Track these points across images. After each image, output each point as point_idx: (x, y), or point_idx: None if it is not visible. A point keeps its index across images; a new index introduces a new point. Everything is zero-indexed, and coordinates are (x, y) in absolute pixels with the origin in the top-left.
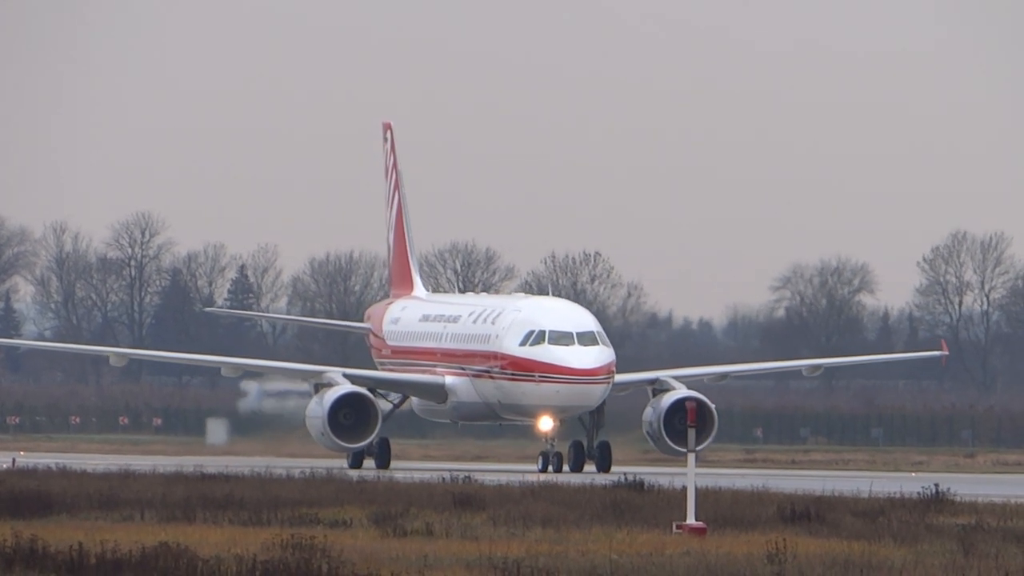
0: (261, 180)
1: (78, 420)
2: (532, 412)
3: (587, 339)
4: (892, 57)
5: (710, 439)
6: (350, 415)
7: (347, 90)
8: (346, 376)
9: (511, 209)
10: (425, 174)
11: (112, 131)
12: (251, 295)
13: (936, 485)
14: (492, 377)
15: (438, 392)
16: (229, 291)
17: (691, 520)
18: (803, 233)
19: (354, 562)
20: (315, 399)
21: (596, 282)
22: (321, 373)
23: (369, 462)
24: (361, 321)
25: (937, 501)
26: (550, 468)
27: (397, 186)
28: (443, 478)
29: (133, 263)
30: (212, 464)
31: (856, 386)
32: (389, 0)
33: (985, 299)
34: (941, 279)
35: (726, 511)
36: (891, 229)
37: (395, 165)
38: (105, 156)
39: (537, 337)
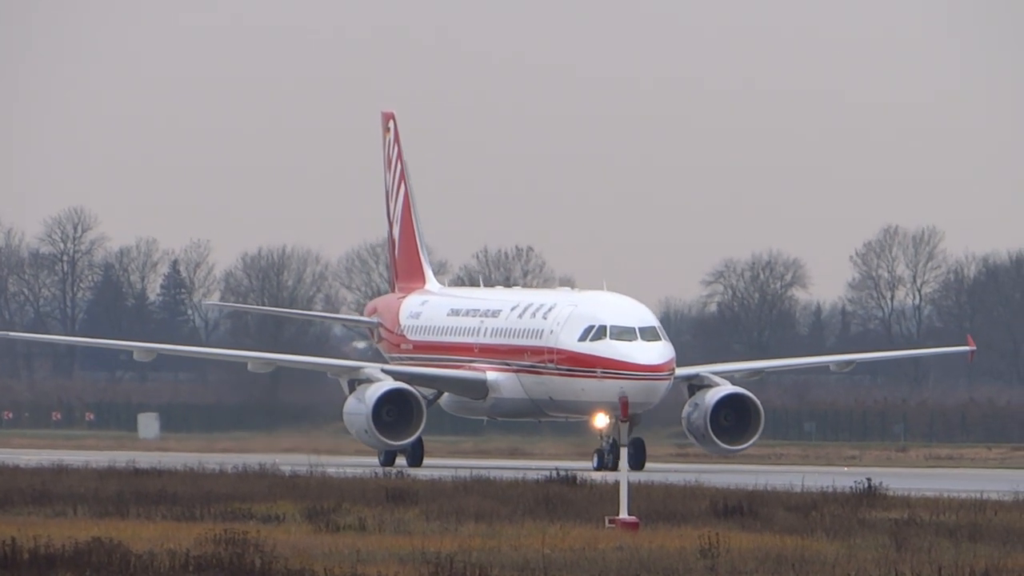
0: (193, 175)
1: (10, 415)
2: (589, 409)
3: (650, 334)
4: (827, 51)
5: (756, 436)
6: (392, 411)
7: (282, 84)
8: (385, 372)
9: (443, 203)
10: (357, 169)
11: (44, 126)
12: (184, 290)
13: (868, 479)
14: (542, 373)
15: (478, 388)
16: (162, 286)
17: (624, 515)
18: (735, 228)
19: (287, 557)
20: (354, 396)
21: (528, 276)
22: (358, 368)
23: (399, 459)
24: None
25: (870, 495)
26: (607, 466)
27: (403, 177)
28: (376, 472)
29: (66, 258)
30: (145, 459)
31: (788, 381)
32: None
33: (917, 293)
34: (873, 274)
35: (659, 506)
36: (823, 224)
37: (400, 156)
38: (38, 151)
39: (598, 332)
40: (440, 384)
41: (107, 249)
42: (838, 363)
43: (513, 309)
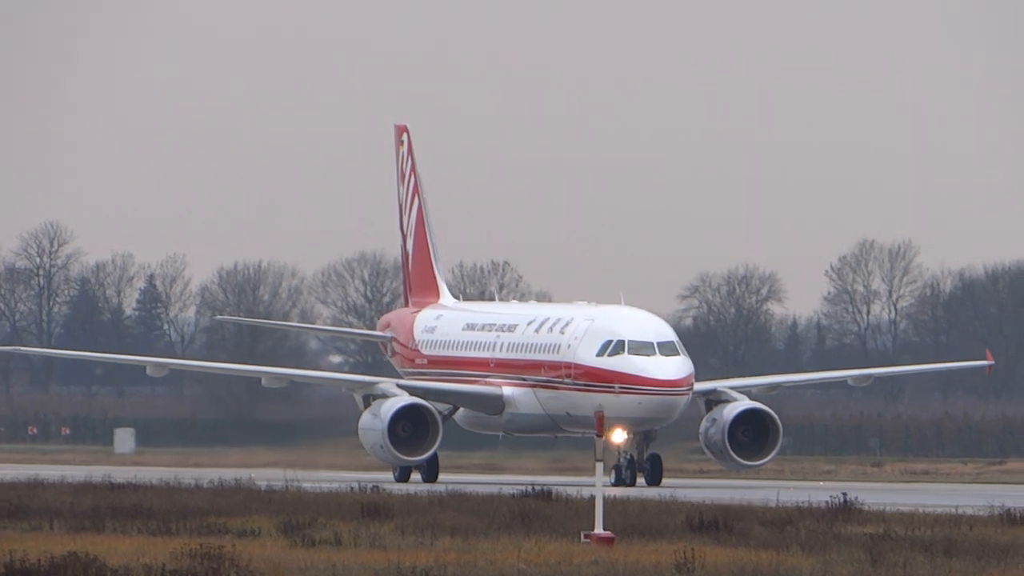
0: (169, 189)
1: None
2: (607, 424)
3: (668, 349)
4: (803, 64)
5: (775, 452)
6: (408, 427)
7: (251, 99)
8: (400, 387)
9: None
10: (334, 183)
11: (20, 140)
12: (160, 304)
13: (844, 494)
14: (559, 388)
15: (494, 403)
16: (138, 301)
17: (599, 529)
18: (711, 242)
19: (262, 571)
20: (368, 411)
21: (504, 291)
22: (373, 384)
23: (413, 475)
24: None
25: (845, 510)
26: (625, 482)
27: (417, 191)
28: (352, 487)
29: (42, 272)
30: (120, 473)
31: (763, 395)
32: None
33: (893, 308)
34: (849, 288)
35: (634, 520)
36: (799, 238)
37: (414, 169)
38: (13, 165)
39: (616, 347)
40: (456, 399)
41: (83, 264)
42: (856, 378)
43: (530, 323)
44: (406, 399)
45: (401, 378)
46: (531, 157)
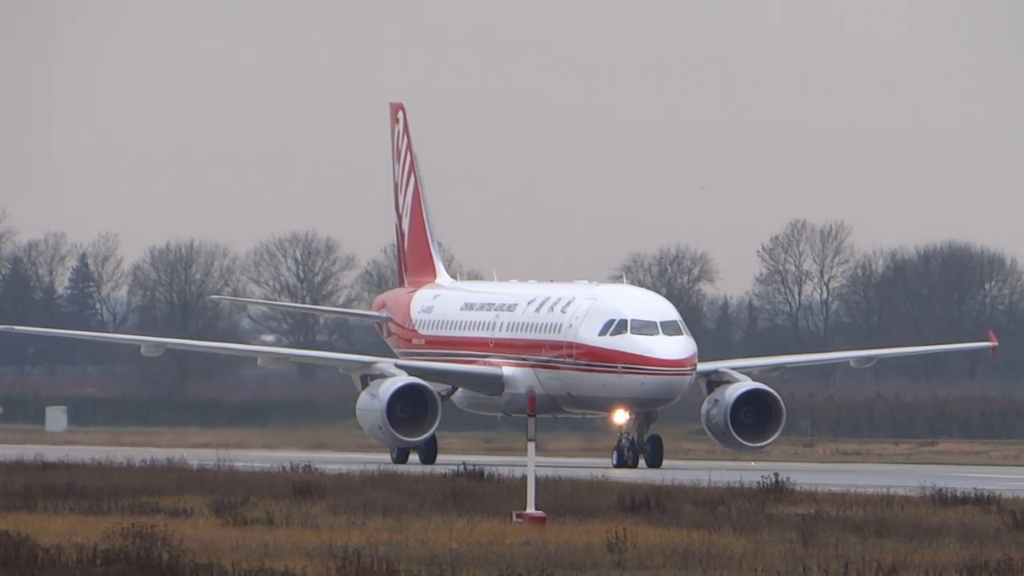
0: (101, 168)
1: None
2: (608, 405)
3: (671, 328)
4: (737, 46)
5: (777, 433)
6: (407, 407)
7: (181, 74)
8: (398, 367)
9: (349, 198)
10: (266, 161)
11: None
12: (92, 284)
13: (776, 474)
14: (560, 368)
15: (494, 384)
16: (70, 280)
17: (531, 509)
18: (642, 222)
19: (194, 551)
20: (366, 392)
21: None
22: (371, 364)
23: (413, 456)
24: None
25: (776, 490)
26: (627, 463)
27: (413, 169)
28: (284, 467)
29: None
30: (52, 452)
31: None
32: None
33: (824, 288)
34: (780, 268)
35: (566, 500)
36: (730, 218)
37: (409, 147)
38: None
39: (619, 326)
40: (455, 379)
41: (15, 243)
42: (858, 359)
43: (530, 303)
44: (405, 379)
45: (397, 358)
46: (466, 136)
